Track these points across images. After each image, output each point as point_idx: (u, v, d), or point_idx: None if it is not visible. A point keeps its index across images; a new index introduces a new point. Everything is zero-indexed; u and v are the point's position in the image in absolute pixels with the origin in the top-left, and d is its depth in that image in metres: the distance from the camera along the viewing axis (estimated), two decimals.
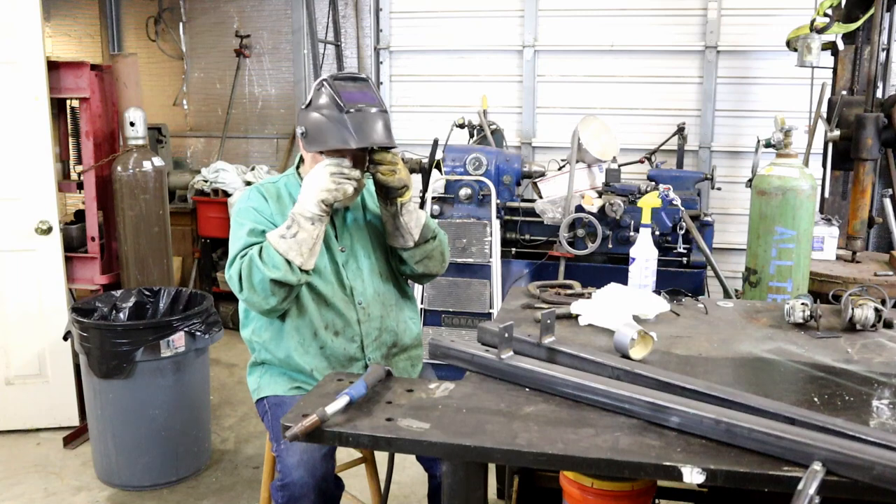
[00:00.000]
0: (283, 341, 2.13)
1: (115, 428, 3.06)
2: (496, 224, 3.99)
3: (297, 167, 2.24)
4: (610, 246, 3.86)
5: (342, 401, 1.49)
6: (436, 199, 4.04)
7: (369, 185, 2.24)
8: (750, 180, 3.41)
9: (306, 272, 1.98)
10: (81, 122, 3.68)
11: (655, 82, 5.02)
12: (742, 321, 2.20)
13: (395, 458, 2.03)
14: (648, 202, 2.61)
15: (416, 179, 2.53)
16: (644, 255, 2.48)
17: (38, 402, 3.57)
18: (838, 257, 3.38)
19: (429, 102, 5.40)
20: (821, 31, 3.51)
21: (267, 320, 2.14)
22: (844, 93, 3.56)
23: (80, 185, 3.76)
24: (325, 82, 2.03)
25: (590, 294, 2.30)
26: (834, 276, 3.09)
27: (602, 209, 3.82)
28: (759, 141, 3.57)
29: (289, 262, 1.93)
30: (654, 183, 3.99)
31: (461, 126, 4.75)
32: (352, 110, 1.99)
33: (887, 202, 3.44)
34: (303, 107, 2.09)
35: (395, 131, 6.15)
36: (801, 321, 2.11)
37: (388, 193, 2.10)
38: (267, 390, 2.20)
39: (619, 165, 4.18)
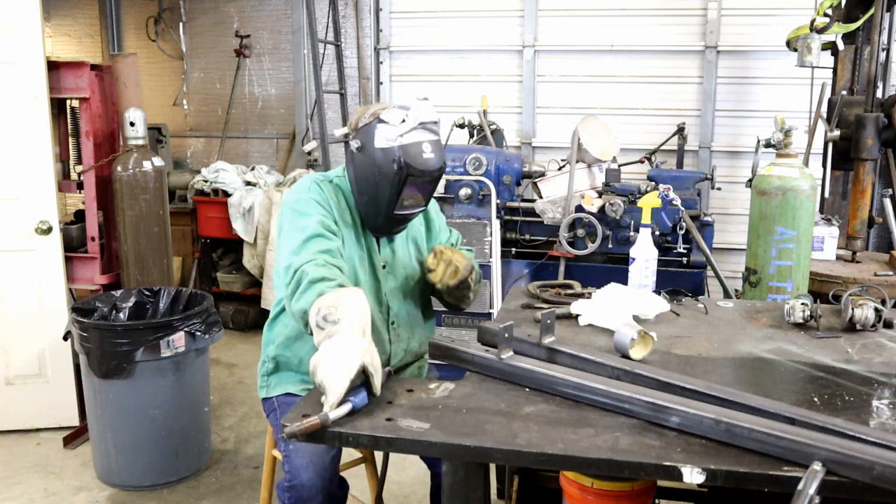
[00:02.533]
0: (306, 355, 2.03)
1: (115, 428, 3.06)
2: (496, 224, 3.99)
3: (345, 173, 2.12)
4: (610, 246, 3.86)
5: (345, 408, 1.46)
6: (436, 199, 4.04)
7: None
8: (750, 180, 3.40)
9: None
10: (81, 122, 3.68)
11: (655, 82, 5.02)
12: (742, 321, 2.20)
13: (390, 457, 2.03)
14: (648, 202, 2.61)
15: None
16: (644, 255, 2.48)
17: (38, 402, 3.57)
18: (838, 257, 3.38)
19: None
20: (821, 31, 3.51)
21: (297, 331, 2.07)
22: (844, 93, 3.56)
23: (80, 185, 3.76)
24: (402, 158, 1.90)
25: (590, 294, 2.30)
26: (834, 276, 3.09)
27: (602, 209, 3.82)
28: (759, 141, 3.57)
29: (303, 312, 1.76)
30: (654, 183, 3.99)
31: (461, 126, 4.75)
32: (415, 178, 1.92)
33: (887, 202, 3.44)
34: (368, 120, 1.95)
35: None
36: (801, 321, 2.11)
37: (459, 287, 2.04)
38: (278, 389, 2.16)
39: (619, 165, 4.18)
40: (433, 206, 2.25)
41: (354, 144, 1.97)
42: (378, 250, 2.10)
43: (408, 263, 2.16)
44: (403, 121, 1.92)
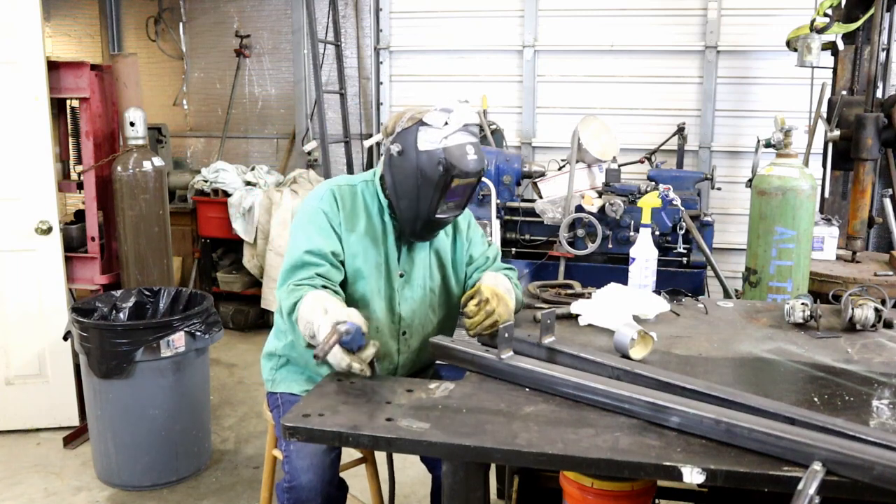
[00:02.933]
0: (311, 356, 2.06)
1: (115, 428, 3.06)
2: (496, 224, 3.98)
3: (381, 178, 2.07)
4: (610, 246, 3.86)
5: (343, 325, 1.64)
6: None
7: None
8: (750, 180, 3.41)
9: None
10: (81, 122, 3.68)
11: (655, 82, 5.02)
12: (742, 321, 2.20)
13: (394, 459, 2.04)
14: (648, 202, 2.61)
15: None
16: (644, 255, 2.48)
17: (38, 402, 3.57)
18: (838, 257, 3.38)
19: (429, 102, 5.37)
20: (821, 31, 3.51)
21: None
22: (844, 93, 3.56)
23: (80, 185, 3.76)
24: (446, 160, 1.89)
25: (590, 294, 2.31)
26: (834, 276, 3.09)
27: (602, 209, 3.82)
28: (759, 141, 3.57)
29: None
30: (654, 183, 3.99)
31: None
32: (456, 187, 1.94)
33: (887, 202, 3.44)
34: (408, 124, 1.95)
35: None
36: (801, 321, 2.11)
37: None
38: (282, 386, 2.15)
39: (619, 165, 4.18)
40: (463, 216, 2.22)
41: (395, 149, 1.96)
42: (398, 259, 2.07)
43: (427, 273, 2.12)
44: (446, 123, 1.93)
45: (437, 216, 1.98)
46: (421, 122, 1.93)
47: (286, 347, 2.13)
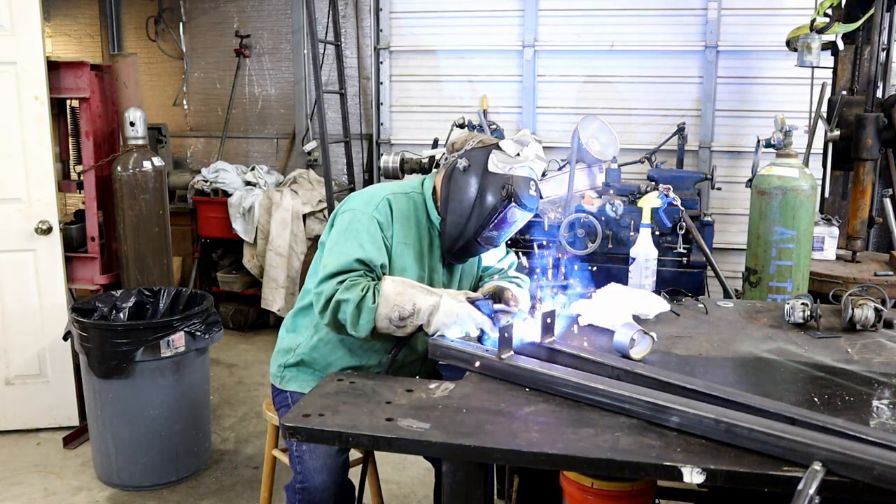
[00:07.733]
0: (337, 360, 2.05)
1: (115, 428, 3.06)
2: None
3: (433, 192, 2.08)
4: (610, 246, 3.86)
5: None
6: None
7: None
8: (750, 180, 3.41)
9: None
10: (81, 122, 3.68)
11: (655, 82, 5.02)
12: (742, 321, 2.20)
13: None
14: (648, 202, 2.61)
15: None
16: (644, 255, 2.48)
17: (38, 402, 3.57)
18: (838, 257, 3.38)
19: (429, 102, 5.40)
20: (821, 31, 3.50)
21: (331, 336, 2.02)
22: (844, 93, 3.55)
23: (80, 185, 3.76)
24: (511, 187, 1.93)
25: (590, 294, 2.30)
26: (834, 276, 3.09)
27: (602, 209, 3.82)
28: (759, 141, 3.57)
29: (372, 330, 1.83)
30: (654, 183, 3.99)
31: (461, 126, 4.75)
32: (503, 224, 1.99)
33: (887, 202, 3.44)
34: (479, 146, 2.00)
35: (395, 131, 6.07)
36: (801, 321, 2.11)
37: None
38: (292, 384, 2.12)
39: (619, 165, 4.17)
40: None
41: (462, 163, 1.98)
42: (441, 275, 2.09)
43: (458, 290, 2.12)
44: (518, 154, 1.98)
45: (479, 240, 1.99)
46: (495, 147, 1.99)
47: (308, 347, 2.08)
